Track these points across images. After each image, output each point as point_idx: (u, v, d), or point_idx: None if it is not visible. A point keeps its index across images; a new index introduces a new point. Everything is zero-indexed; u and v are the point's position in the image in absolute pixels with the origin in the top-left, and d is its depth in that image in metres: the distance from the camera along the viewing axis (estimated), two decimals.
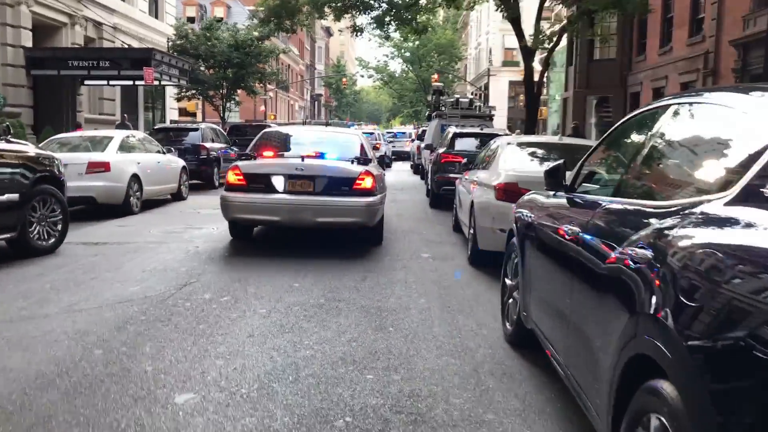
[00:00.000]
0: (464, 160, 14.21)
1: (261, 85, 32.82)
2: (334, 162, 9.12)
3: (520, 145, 8.90)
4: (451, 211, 13.26)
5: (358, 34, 22.62)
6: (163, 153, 14.97)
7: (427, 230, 11.90)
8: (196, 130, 19.40)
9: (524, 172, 7.66)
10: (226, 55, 29.58)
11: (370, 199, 8.81)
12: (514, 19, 21.14)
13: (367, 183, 8.81)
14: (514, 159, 8.33)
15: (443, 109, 22.61)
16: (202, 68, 30.80)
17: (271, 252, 9.07)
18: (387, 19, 21.72)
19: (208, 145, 19.01)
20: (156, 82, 22.43)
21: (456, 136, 15.38)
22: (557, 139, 8.76)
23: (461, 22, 73.25)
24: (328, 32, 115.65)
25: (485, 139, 15.63)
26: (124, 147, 13.17)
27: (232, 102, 32.33)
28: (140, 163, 13.28)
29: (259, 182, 8.59)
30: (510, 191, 7.41)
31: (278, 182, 8.58)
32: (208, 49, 29.68)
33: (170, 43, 29.83)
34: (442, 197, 15.16)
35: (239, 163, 9.11)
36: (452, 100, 22.38)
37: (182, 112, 50.97)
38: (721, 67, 17.84)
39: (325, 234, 10.25)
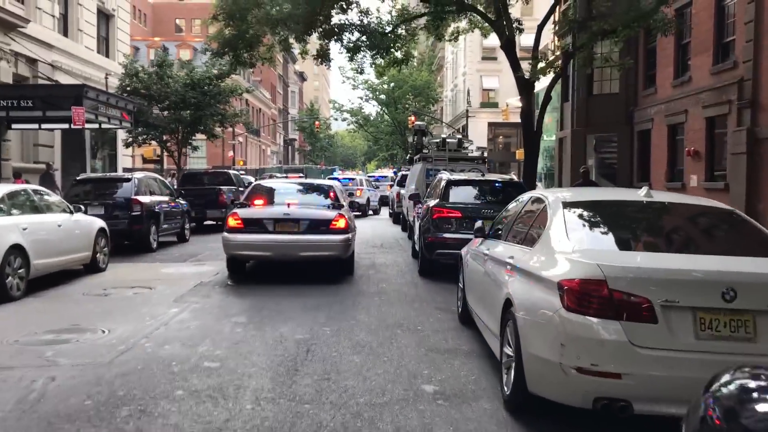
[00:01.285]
0: (461, 215, 10.99)
1: (222, 127, 29.48)
2: (314, 207, 11.34)
3: (586, 206, 5.53)
4: (449, 282, 9.93)
5: (324, 62, 19.43)
6: (71, 212, 11.45)
7: (423, 321, 8.38)
8: (128, 180, 15.91)
9: (613, 259, 4.31)
10: (181, 94, 26.31)
11: (344, 236, 10.87)
12: (509, 47, 18.11)
13: (341, 223, 10.82)
14: (585, 232, 4.98)
15: (427, 150, 19.43)
16: (154, 110, 27.45)
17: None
18: (360, 46, 18.56)
19: (143, 199, 15.51)
20: (89, 125, 18.91)
21: (451, 184, 12.08)
22: (643, 194, 5.32)
23: (437, 64, 71.14)
24: (302, 77, 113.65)
25: (488, 188, 12.38)
26: (3, 208, 9.61)
27: (189, 147, 28.90)
28: (27, 229, 9.72)
29: (254, 225, 10.68)
30: (590, 294, 4.04)
31: (269, 224, 10.64)
32: (161, 89, 26.42)
33: (119, 83, 26.52)
34: (435, 263, 11.78)
35: (237, 210, 11.19)
36: (437, 140, 19.23)
37: (142, 159, 47.54)
38: (763, 96, 14.85)
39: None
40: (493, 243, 6.58)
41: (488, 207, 11.46)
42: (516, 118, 49.14)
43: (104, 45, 28.55)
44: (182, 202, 18.48)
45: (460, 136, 20.06)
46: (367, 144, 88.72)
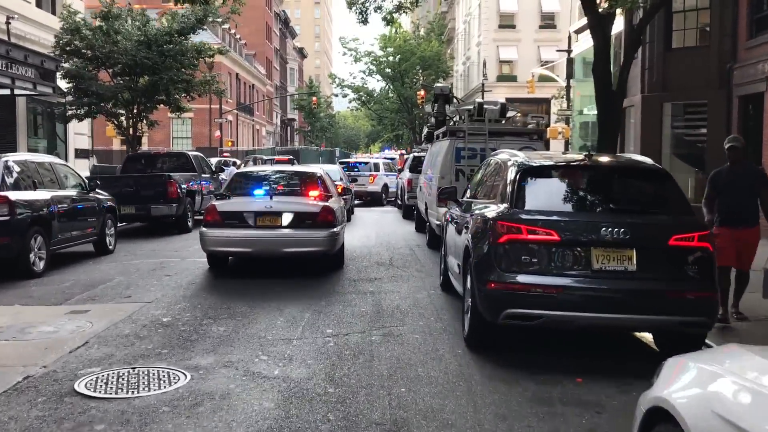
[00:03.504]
0: (558, 238, 5.18)
1: (189, 98, 23.57)
2: (298, 198, 10.48)
3: None
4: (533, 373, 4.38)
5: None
6: None
7: None
8: None
9: None
10: (132, 55, 20.49)
11: (331, 230, 9.83)
12: None
13: (328, 217, 9.82)
14: None
15: (455, 121, 13.64)
16: (95, 73, 21.55)
17: None
18: None
19: (15, 195, 9.79)
20: None
21: (527, 175, 6.26)
22: None
23: (447, 35, 64.88)
24: (302, 53, 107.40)
25: (604, 181, 6.59)
26: None
27: (144, 122, 23.02)
28: None
29: (233, 219, 9.77)
30: None
31: (250, 218, 9.69)
32: (108, 48, 20.59)
33: (56, 42, 20.68)
34: (499, 331, 6.04)
35: (215, 202, 10.33)
36: (469, 107, 13.36)
37: (102, 139, 41.66)
38: None
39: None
40: None
41: (611, 220, 5.71)
42: (543, 93, 43.17)
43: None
44: (101, 196, 12.74)
45: (503, 101, 14.09)
46: (371, 124, 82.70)
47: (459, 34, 64.81)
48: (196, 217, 18.90)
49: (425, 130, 16.36)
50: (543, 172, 6.35)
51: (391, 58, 55.44)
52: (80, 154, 27.36)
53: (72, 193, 11.57)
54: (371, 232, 16.88)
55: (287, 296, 8.58)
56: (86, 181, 12.31)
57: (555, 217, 5.79)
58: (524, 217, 5.78)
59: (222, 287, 9.16)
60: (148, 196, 15.86)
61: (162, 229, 16.61)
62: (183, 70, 22.49)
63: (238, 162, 29.82)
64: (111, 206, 13.01)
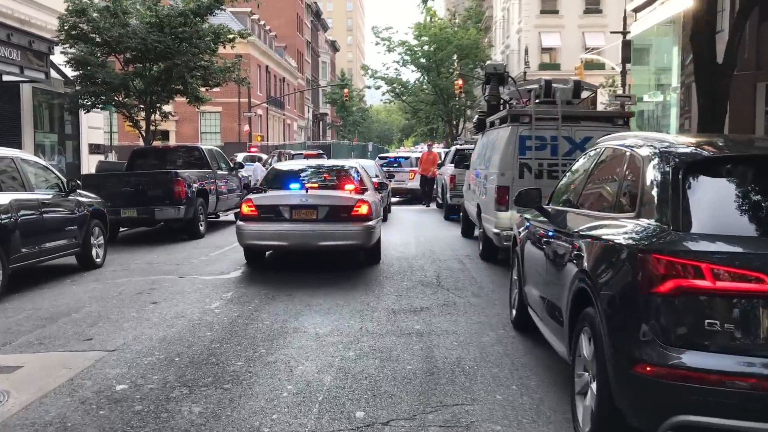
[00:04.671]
0: None
1: (207, 87, 21.33)
2: (334, 192, 10.35)
3: None
4: None
5: None
6: None
7: None
8: None
9: None
10: (141, 38, 18.32)
11: (367, 224, 9.65)
12: None
13: (364, 210, 9.68)
14: None
15: (518, 103, 11.12)
16: (103, 60, 19.41)
17: None
18: None
19: None
20: None
21: (694, 171, 3.70)
22: None
23: (483, 24, 61.88)
24: (334, 47, 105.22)
25: None
26: None
27: (158, 113, 20.80)
28: None
29: (269, 212, 9.72)
30: None
31: (285, 212, 9.64)
32: (116, 30, 18.45)
33: (60, 26, 18.62)
34: None
35: (251, 195, 10.32)
36: (534, 86, 10.79)
37: (126, 134, 39.84)
38: None
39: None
40: None
41: None
42: (590, 81, 40.32)
43: None
44: (86, 198, 10.52)
45: (577, 78, 11.40)
46: (405, 117, 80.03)
47: (497, 21, 61.94)
48: (215, 219, 16.81)
49: (475, 117, 13.75)
50: (721, 167, 3.78)
51: (426, 48, 52.73)
52: (94, 149, 25.39)
53: (43, 196, 9.32)
54: (410, 236, 14.44)
55: (301, 343, 6.19)
56: (65, 181, 10.06)
57: (760, 249, 3.26)
58: (703, 247, 3.27)
59: (216, 327, 6.80)
60: (152, 196, 13.65)
61: (169, 235, 14.40)
62: (200, 55, 20.23)
63: (264, 157, 27.58)
64: (98, 211, 10.77)
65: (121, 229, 14.92)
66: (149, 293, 8.47)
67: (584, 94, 10.87)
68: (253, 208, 9.78)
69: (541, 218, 5.79)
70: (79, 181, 10.31)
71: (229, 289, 8.70)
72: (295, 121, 71.33)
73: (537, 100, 10.32)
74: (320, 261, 10.98)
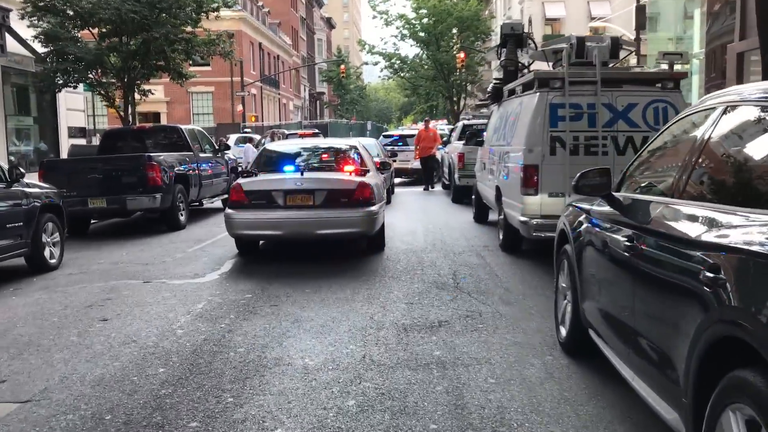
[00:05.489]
0: None
1: (190, 62, 19.59)
2: (332, 174, 9.37)
3: None
4: None
5: None
6: None
7: None
8: None
9: None
10: (114, 8, 16.53)
11: (369, 209, 8.76)
12: None
13: (365, 193, 8.78)
14: None
15: (550, 64, 9.47)
16: (75, 33, 17.63)
17: None
18: None
19: None
20: None
21: None
22: None
23: None
24: (330, 24, 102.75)
25: None
26: None
27: (138, 92, 19.05)
28: None
29: (261, 198, 8.82)
30: None
31: (279, 197, 8.71)
32: (87, 1, 16.65)
33: None
34: None
35: (240, 180, 9.32)
36: (562, 46, 9.09)
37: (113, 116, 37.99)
38: None
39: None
40: None
41: None
42: None
43: None
44: (36, 189, 8.90)
45: (613, 35, 9.56)
46: (404, 95, 77.96)
47: None
48: (199, 207, 15.21)
49: (490, 85, 12.04)
50: None
51: (425, 21, 50.76)
52: (75, 132, 23.71)
53: None
54: (417, 222, 12.83)
55: (283, 385, 4.59)
56: (5, 168, 8.41)
57: None
58: None
59: (173, 358, 5.21)
60: (123, 184, 12.04)
61: (147, 226, 12.83)
62: (181, 27, 18.46)
63: (256, 138, 25.87)
64: (52, 203, 9.13)
65: (93, 221, 13.32)
66: (101, 306, 6.87)
67: (622, 54, 9.17)
68: (243, 194, 8.84)
69: (610, 210, 4.16)
70: (22, 169, 8.61)
71: (201, 298, 7.10)
72: (291, 100, 69.36)
73: (568, 62, 8.62)
74: (316, 253, 9.43)
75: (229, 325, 6.00)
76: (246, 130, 35.96)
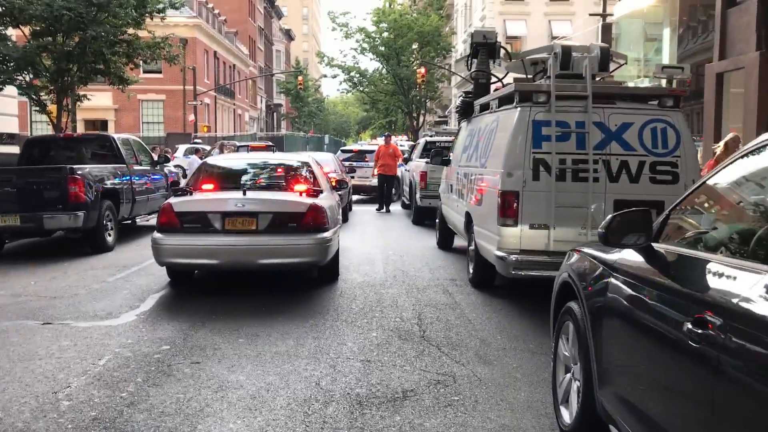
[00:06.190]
0: None
1: (132, 66, 18.06)
2: (280, 195, 8.18)
3: None
4: None
5: None
6: None
7: None
8: None
9: None
10: (45, 4, 14.95)
11: (321, 235, 7.61)
12: None
13: (317, 217, 7.65)
14: None
15: (530, 77, 8.33)
16: (2, 31, 15.97)
17: None
18: None
19: None
20: None
21: None
22: None
23: (445, 11, 59.17)
24: (289, 35, 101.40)
25: None
26: None
27: (74, 98, 17.43)
28: None
29: (195, 221, 7.61)
30: None
31: (216, 220, 7.49)
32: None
33: None
34: None
35: (171, 199, 8.03)
36: (543, 55, 7.98)
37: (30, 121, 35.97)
38: None
39: None
40: None
41: None
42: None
43: None
44: None
45: (603, 44, 8.55)
46: (363, 109, 76.92)
47: (459, 8, 59.39)
48: (131, 225, 13.70)
49: (458, 99, 10.88)
50: None
51: (385, 35, 49.94)
52: (6, 139, 21.93)
53: None
54: (374, 248, 11.60)
55: None
56: None
57: None
58: None
59: None
60: (40, 199, 10.52)
61: (72, 246, 11.31)
62: (122, 28, 16.95)
63: (205, 148, 24.30)
64: None
65: (6, 241, 11.71)
66: None
67: (615, 66, 8.12)
68: (174, 216, 7.63)
69: (649, 269, 2.98)
70: None
71: (107, 349, 5.70)
72: (247, 111, 67.63)
73: (542, 75, 7.53)
74: (259, 284, 8.15)
75: (132, 395, 4.64)
76: (196, 140, 34.23)
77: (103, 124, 46.77)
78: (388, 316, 6.90)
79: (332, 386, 4.83)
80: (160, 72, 43.43)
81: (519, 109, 7.09)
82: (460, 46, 57.49)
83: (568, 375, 4.02)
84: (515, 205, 6.89)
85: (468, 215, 8.68)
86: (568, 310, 4.00)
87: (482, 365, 5.33)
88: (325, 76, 56.11)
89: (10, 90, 18.81)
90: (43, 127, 36.21)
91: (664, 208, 7.02)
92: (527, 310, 7.11)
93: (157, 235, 7.66)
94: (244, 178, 8.77)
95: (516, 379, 5.03)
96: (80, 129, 43.18)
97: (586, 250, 3.95)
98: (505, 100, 7.76)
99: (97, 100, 39.68)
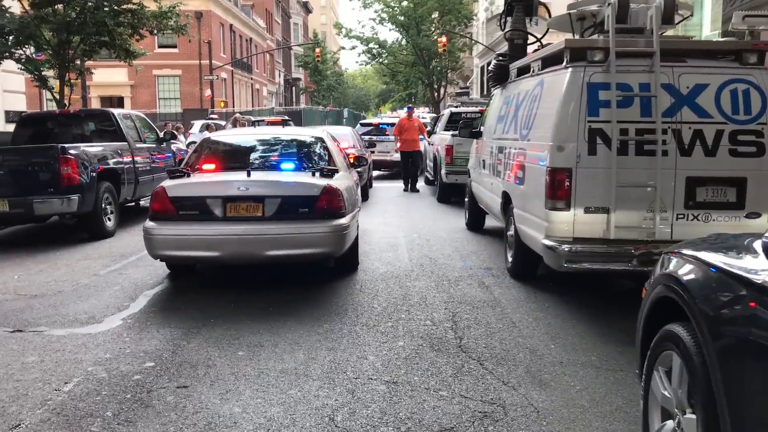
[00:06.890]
0: None
1: (138, 37, 17.01)
2: (289, 176, 7.06)
3: None
4: None
5: None
6: None
7: None
8: None
9: None
10: None
11: (337, 222, 6.62)
12: None
13: (332, 201, 6.66)
14: None
15: (582, 34, 7.15)
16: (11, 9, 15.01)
17: None
18: None
19: None
20: None
21: None
22: None
23: None
24: (306, 8, 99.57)
25: None
26: None
27: (75, 71, 16.48)
28: None
29: (192, 207, 6.60)
30: None
31: (216, 206, 6.51)
32: None
33: None
34: None
35: (165, 183, 6.87)
36: (595, 7, 6.79)
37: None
38: None
39: None
40: None
41: None
42: None
43: None
44: None
45: None
46: (382, 82, 75.41)
47: None
48: (134, 206, 12.79)
49: (492, 62, 9.65)
50: None
51: (404, 4, 48.41)
52: (13, 117, 21.05)
53: None
54: (397, 230, 10.55)
55: None
56: None
57: None
58: None
59: None
60: (30, 182, 9.57)
61: (67, 232, 10.41)
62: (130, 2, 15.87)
63: (217, 124, 23.26)
64: None
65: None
66: None
67: (679, 18, 6.90)
68: (168, 202, 6.65)
69: None
70: None
71: (78, 367, 4.72)
72: (265, 86, 66.49)
73: (596, 30, 6.34)
74: (267, 278, 7.15)
75: (102, 429, 3.64)
76: (212, 116, 33.21)
77: (120, 100, 45.96)
78: (416, 317, 5.85)
79: (350, 422, 3.79)
80: (176, 47, 42.45)
81: (570, 69, 5.92)
82: (482, 14, 55.72)
83: (670, 423, 2.94)
84: (567, 184, 5.76)
85: (506, 195, 7.56)
86: (669, 336, 2.91)
87: (537, 388, 4.26)
88: (344, 48, 54.74)
89: (16, 67, 17.93)
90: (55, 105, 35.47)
91: (746, 186, 5.93)
92: (579, 307, 6.03)
93: (149, 224, 6.69)
94: (250, 156, 7.82)
95: (583, 409, 3.96)
96: (95, 105, 42.64)
97: (702, 256, 2.84)
98: (551, 61, 6.57)
99: (113, 76, 38.78)
